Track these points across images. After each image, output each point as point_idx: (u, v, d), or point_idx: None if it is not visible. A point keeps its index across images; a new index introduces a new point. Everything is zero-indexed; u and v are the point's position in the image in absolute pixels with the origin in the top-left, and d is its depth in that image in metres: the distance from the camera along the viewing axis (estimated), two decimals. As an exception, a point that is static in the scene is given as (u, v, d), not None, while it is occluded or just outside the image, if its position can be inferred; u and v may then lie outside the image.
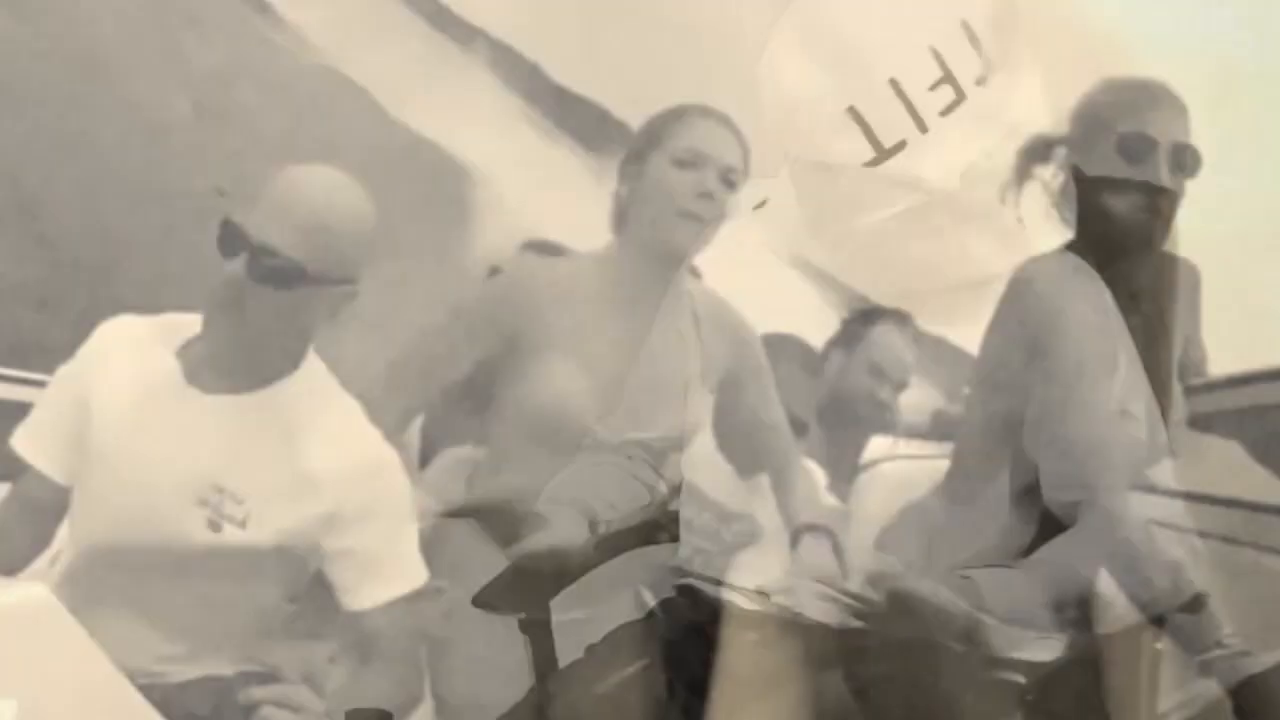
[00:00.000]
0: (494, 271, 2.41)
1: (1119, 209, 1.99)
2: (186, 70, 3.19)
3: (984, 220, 2.06)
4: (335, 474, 1.88)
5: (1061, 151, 2.01)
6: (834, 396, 2.65)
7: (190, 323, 1.95)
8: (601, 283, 2.06)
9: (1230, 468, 2.25)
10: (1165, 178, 1.94)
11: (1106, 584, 1.89)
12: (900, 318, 2.56)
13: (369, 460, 1.92)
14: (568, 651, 1.95)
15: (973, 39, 1.97)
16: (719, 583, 1.96)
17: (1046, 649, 1.96)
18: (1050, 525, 1.97)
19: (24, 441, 1.97)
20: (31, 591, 1.56)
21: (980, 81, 1.97)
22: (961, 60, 1.98)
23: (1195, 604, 1.91)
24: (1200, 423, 2.24)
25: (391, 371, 2.10)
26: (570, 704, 1.94)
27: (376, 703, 1.83)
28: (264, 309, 1.85)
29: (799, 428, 2.42)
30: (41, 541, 1.95)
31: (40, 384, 2.08)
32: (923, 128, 1.96)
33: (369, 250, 1.92)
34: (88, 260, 3.09)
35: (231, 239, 1.83)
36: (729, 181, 1.99)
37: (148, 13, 3.20)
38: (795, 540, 2.00)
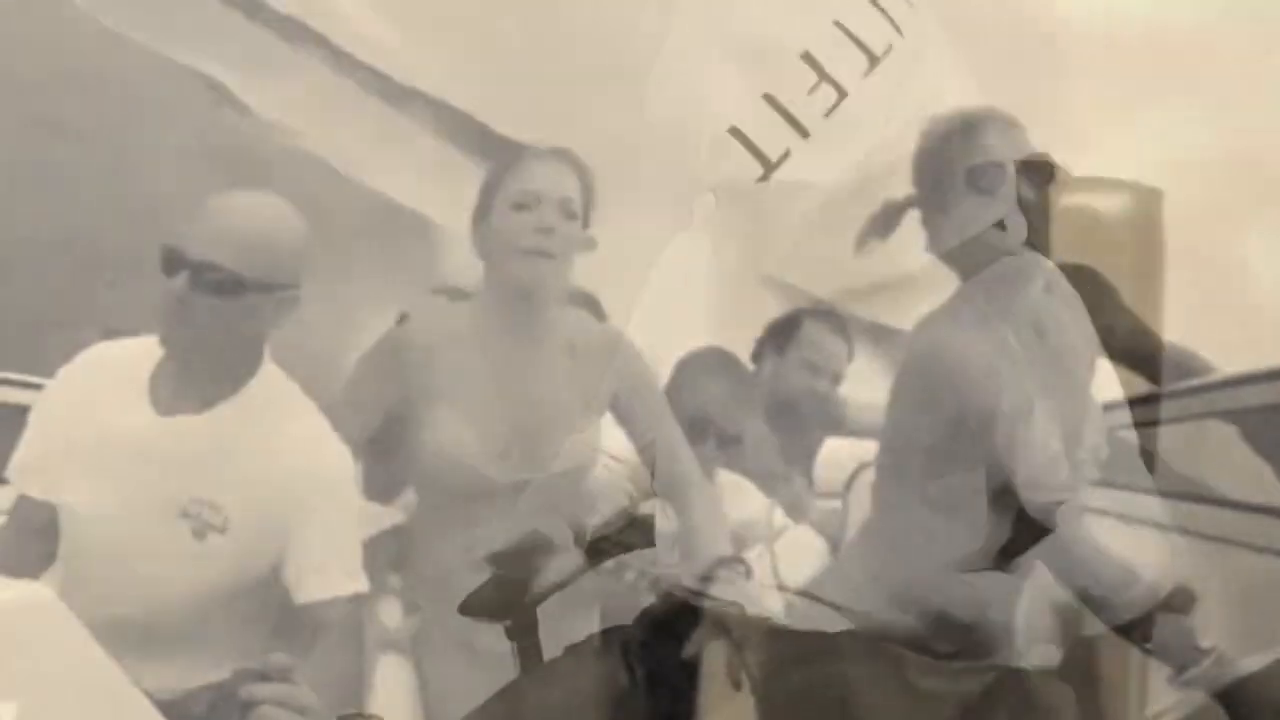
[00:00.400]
0: (402, 319, 2.43)
1: (995, 242, 1.95)
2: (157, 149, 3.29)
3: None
4: (299, 473, 1.98)
5: (916, 212, 1.99)
6: (775, 400, 2.67)
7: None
8: (477, 328, 2.13)
9: (1230, 467, 2.22)
10: (1027, 194, 1.91)
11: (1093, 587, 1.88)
12: (825, 313, 2.57)
13: (328, 459, 2.03)
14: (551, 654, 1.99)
15: (851, 36, 1.94)
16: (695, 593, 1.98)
17: (1049, 654, 1.98)
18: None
19: (16, 472, 2.07)
20: (31, 589, 1.58)
21: (868, 71, 1.94)
22: (839, 58, 1.96)
23: (1182, 602, 1.89)
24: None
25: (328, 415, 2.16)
26: (544, 702, 1.95)
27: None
28: (211, 318, 1.95)
29: (727, 441, 2.45)
30: (48, 557, 2.02)
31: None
32: (804, 133, 1.94)
33: (306, 260, 2.01)
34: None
35: (172, 260, 1.94)
36: (569, 213, 2.07)
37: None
38: (709, 576, 2.03)
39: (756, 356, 2.73)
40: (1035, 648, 1.98)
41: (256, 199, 2.01)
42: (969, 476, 1.87)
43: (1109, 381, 2.03)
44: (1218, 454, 2.27)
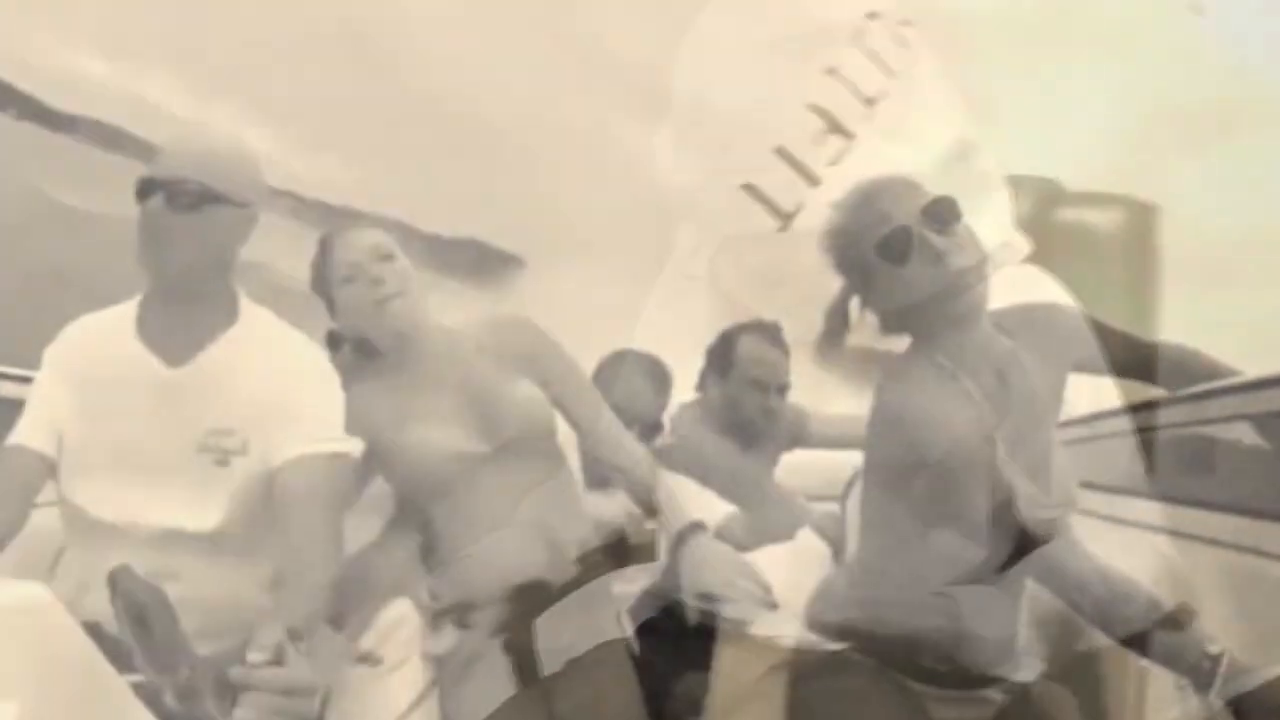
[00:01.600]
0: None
1: (927, 302, 1.93)
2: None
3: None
4: (291, 385, 2.12)
5: (854, 299, 2.00)
6: (730, 422, 2.62)
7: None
8: (386, 380, 2.29)
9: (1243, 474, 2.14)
10: (940, 246, 1.90)
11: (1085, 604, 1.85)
12: (757, 326, 2.58)
13: (315, 363, 2.19)
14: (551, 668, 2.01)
15: (845, 81, 2.00)
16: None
17: (1027, 668, 1.91)
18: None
19: (18, 436, 2.17)
20: (31, 590, 1.57)
21: (868, 108, 1.99)
22: (841, 103, 2.02)
23: (1174, 622, 1.86)
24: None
25: None
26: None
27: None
28: (185, 236, 2.10)
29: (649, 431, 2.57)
30: (20, 520, 2.09)
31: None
32: (814, 182, 1.98)
33: (260, 184, 2.21)
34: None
35: (146, 185, 2.11)
36: (386, 256, 2.27)
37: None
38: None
39: (701, 384, 2.72)
40: (1020, 661, 1.94)
41: (213, 133, 2.26)
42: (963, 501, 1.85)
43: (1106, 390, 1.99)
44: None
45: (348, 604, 2.04)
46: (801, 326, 2.22)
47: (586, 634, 2.08)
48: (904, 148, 2.00)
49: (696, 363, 2.66)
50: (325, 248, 2.29)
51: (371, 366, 2.27)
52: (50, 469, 2.14)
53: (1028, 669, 1.94)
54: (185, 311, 2.16)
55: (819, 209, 2.01)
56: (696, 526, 2.10)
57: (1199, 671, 1.81)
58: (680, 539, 2.07)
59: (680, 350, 2.55)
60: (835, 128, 2.01)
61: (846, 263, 1.98)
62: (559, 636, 2.06)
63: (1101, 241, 2.36)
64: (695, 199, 2.09)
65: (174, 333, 2.15)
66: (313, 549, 1.98)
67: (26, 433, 2.16)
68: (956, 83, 2.11)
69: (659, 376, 2.75)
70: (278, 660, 1.70)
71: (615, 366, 2.69)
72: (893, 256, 1.90)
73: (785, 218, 2.02)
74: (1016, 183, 2.41)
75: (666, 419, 2.70)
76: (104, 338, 2.20)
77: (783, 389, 2.65)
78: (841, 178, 2.00)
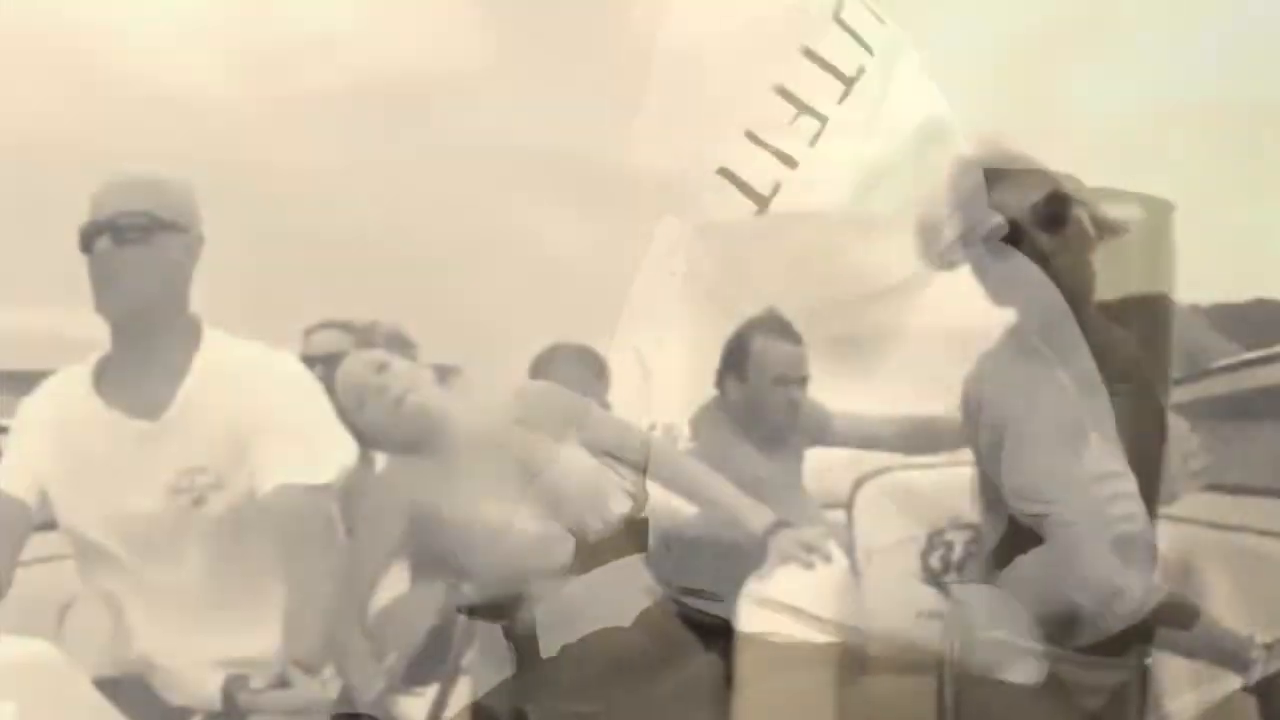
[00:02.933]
0: None
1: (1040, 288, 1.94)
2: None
3: (884, 229, 2.04)
4: (265, 411, 2.05)
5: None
6: (753, 422, 2.60)
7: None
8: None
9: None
10: (1043, 244, 1.91)
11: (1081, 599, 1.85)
12: (769, 322, 2.54)
13: (287, 379, 2.14)
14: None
15: (823, 63, 1.98)
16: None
17: (1033, 670, 1.93)
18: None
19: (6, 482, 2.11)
20: (35, 647, 1.58)
21: (843, 98, 1.97)
22: (815, 86, 2.00)
23: (1184, 618, 1.88)
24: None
25: None
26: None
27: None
28: (136, 270, 2.05)
29: None
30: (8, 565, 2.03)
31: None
32: (791, 164, 1.96)
33: (196, 207, 2.15)
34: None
35: (89, 232, 2.06)
36: (381, 366, 2.26)
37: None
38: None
39: (720, 385, 2.69)
40: (1018, 664, 1.93)
41: (136, 167, 2.18)
42: None
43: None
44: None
45: (385, 644, 2.06)
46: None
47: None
48: (880, 128, 1.99)
49: (679, 358, 2.64)
50: (329, 391, 2.23)
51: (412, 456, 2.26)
52: (31, 515, 2.08)
53: (1017, 673, 1.94)
54: (147, 353, 2.11)
55: (796, 191, 2.00)
56: (781, 524, 2.12)
57: (1239, 660, 1.84)
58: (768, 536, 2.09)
59: (664, 346, 2.52)
60: (805, 110, 1.98)
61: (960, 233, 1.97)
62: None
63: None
64: (673, 186, 2.06)
65: (141, 382, 2.10)
66: (310, 580, 1.94)
67: (5, 479, 2.10)
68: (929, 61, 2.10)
69: (594, 364, 2.74)
70: (281, 684, 1.75)
71: (549, 360, 2.69)
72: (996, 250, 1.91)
73: (762, 201, 2.00)
74: (1031, 177, 2.39)
75: (687, 424, 2.68)
76: (70, 399, 2.14)
77: (803, 381, 2.63)
78: (820, 159, 1.99)
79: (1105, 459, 1.93)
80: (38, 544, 2.03)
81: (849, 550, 2.41)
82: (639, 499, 2.18)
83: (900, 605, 2.25)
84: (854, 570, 2.35)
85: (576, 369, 2.69)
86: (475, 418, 2.25)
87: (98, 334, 2.10)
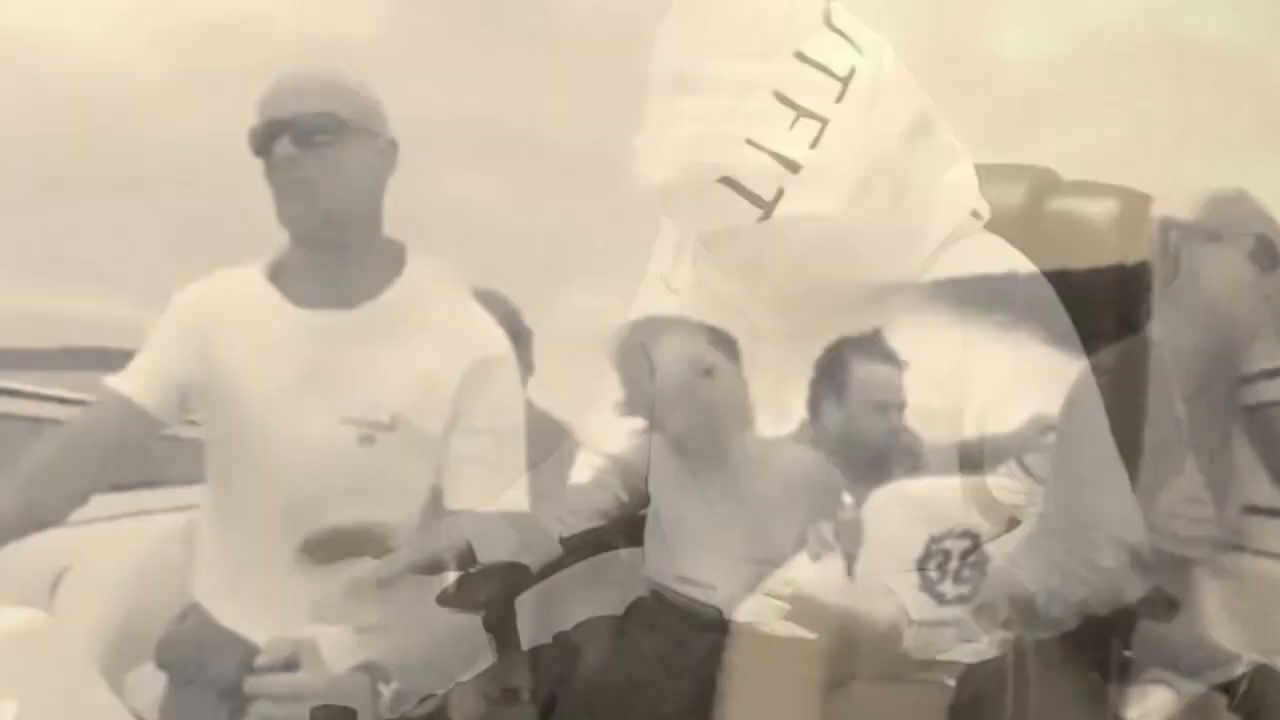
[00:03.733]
0: None
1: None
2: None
3: (886, 224, 2.07)
4: (457, 373, 1.96)
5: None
6: (850, 447, 2.56)
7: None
8: None
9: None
10: None
11: (1038, 586, 1.89)
12: (867, 343, 2.50)
13: (488, 359, 2.01)
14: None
15: (816, 65, 1.99)
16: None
17: (971, 651, 1.98)
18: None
19: (124, 383, 2.00)
20: (29, 615, 1.62)
21: (839, 98, 1.99)
22: (812, 89, 2.01)
23: (1162, 611, 1.92)
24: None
25: None
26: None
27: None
28: (324, 176, 1.91)
29: None
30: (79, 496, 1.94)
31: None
32: (794, 168, 1.98)
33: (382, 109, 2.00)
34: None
35: (266, 132, 1.92)
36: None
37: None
38: None
39: (813, 406, 2.64)
40: (963, 646, 1.99)
41: (308, 64, 2.03)
42: None
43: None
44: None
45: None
46: (783, 320, 2.22)
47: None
48: (874, 124, 2.00)
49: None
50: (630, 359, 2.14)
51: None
52: (150, 422, 2.00)
53: (970, 652, 1.98)
54: (338, 271, 1.98)
55: (800, 195, 2.00)
56: None
57: (1221, 673, 1.89)
58: None
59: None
60: (805, 113, 1.99)
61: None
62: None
63: (1095, 231, 2.34)
64: (676, 198, 2.07)
65: (328, 286, 1.98)
66: None
67: (132, 383, 2.01)
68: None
69: None
70: (291, 665, 1.72)
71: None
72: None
73: (767, 206, 2.01)
74: (1009, 171, 2.38)
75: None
76: (242, 285, 2.02)
77: (901, 407, 2.62)
78: (821, 161, 1.99)
79: None
80: None
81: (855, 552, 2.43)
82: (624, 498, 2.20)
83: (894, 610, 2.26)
84: (851, 574, 2.37)
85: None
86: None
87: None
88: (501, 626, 2.02)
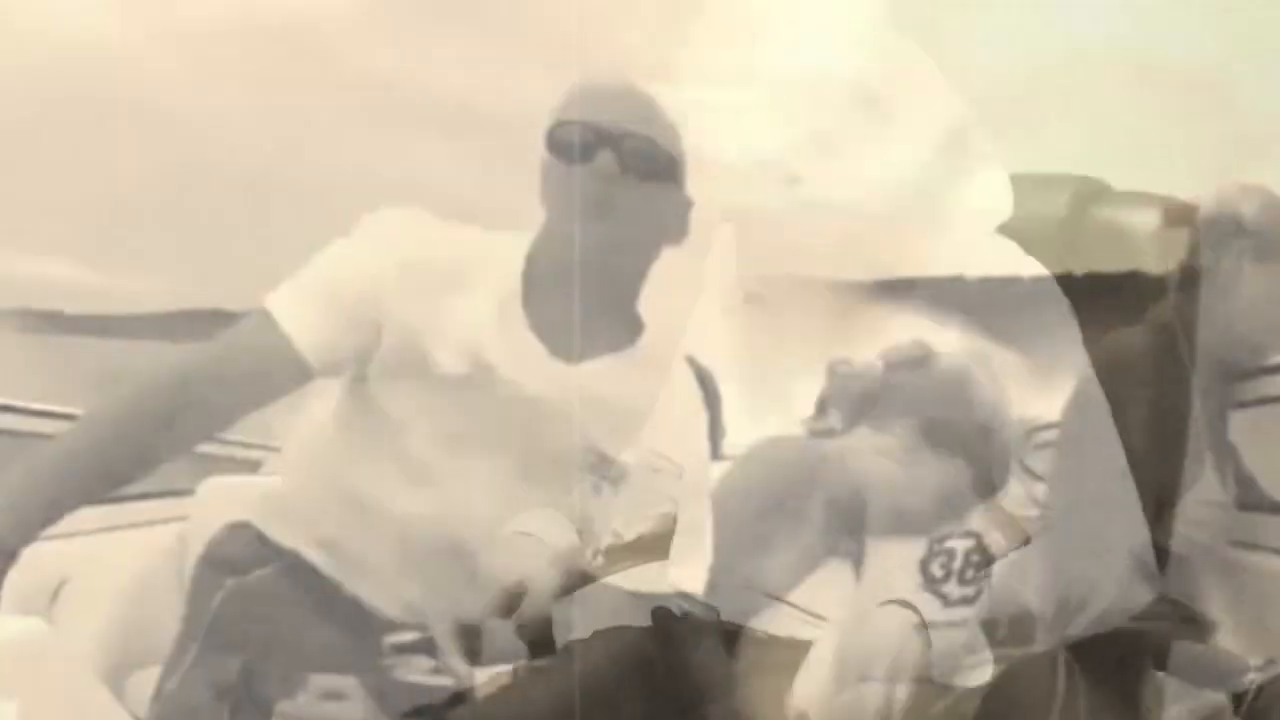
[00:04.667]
0: None
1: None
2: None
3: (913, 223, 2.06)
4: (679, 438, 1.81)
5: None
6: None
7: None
8: None
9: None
10: None
11: (1040, 600, 1.88)
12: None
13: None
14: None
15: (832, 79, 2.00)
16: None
17: (979, 673, 1.95)
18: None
19: (285, 319, 1.77)
20: (30, 625, 1.58)
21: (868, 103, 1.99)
22: (824, 102, 2.01)
23: (1198, 631, 1.95)
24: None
25: None
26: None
27: None
28: (628, 211, 1.74)
29: None
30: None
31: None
32: (820, 159, 1.98)
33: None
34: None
35: (591, 137, 1.74)
36: None
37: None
38: None
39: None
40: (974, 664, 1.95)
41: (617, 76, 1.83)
42: None
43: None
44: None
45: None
46: (798, 314, 2.20)
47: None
48: (901, 137, 1.99)
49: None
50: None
51: None
52: (302, 379, 1.77)
53: (979, 674, 1.94)
54: (602, 294, 1.79)
55: (824, 185, 1.99)
56: None
57: (1230, 682, 1.87)
58: None
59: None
60: (832, 127, 1.99)
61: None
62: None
63: (1135, 240, 2.35)
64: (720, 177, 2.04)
65: (562, 330, 1.79)
66: None
67: (298, 324, 1.76)
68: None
69: None
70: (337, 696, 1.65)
71: None
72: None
73: (793, 189, 1.99)
74: (1052, 180, 2.40)
75: None
76: (474, 269, 1.80)
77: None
78: (841, 171, 1.99)
79: None
80: None
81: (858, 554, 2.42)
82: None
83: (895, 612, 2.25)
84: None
85: None
86: None
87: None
88: (537, 633, 1.98)
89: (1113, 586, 1.88)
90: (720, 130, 1.93)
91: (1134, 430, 1.96)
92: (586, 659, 2.01)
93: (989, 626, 1.96)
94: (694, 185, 1.96)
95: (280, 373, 1.79)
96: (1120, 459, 2.00)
